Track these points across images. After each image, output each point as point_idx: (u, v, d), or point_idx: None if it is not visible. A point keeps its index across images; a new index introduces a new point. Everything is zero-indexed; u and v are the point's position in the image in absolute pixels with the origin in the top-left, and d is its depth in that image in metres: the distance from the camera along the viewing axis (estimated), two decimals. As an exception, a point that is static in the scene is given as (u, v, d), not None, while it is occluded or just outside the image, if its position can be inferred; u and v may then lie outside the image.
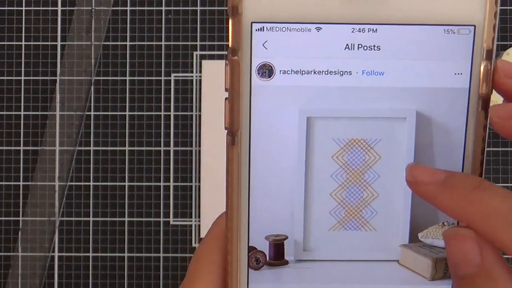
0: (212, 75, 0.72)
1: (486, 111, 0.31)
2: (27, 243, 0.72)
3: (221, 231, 0.33)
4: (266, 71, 0.32)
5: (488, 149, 0.71)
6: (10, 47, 0.73)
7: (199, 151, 0.72)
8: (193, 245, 0.71)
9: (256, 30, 0.32)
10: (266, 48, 0.32)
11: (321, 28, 0.32)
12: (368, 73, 0.32)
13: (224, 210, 0.33)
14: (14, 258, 0.72)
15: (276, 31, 0.32)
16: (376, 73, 0.32)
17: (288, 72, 0.32)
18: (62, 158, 0.72)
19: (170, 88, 0.72)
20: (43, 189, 0.72)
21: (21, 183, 0.72)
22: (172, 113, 0.72)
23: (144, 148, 0.72)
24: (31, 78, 0.73)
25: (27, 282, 0.72)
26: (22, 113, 0.73)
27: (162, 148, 0.72)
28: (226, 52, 0.71)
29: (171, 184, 0.72)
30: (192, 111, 0.72)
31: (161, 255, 0.72)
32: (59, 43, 0.73)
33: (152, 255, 0.72)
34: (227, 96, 0.32)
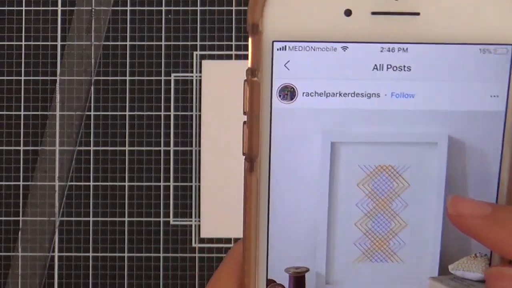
0: (212, 75, 0.71)
1: None
2: (27, 243, 0.71)
3: (236, 262, 0.31)
4: (288, 93, 0.30)
5: None
6: (10, 47, 0.72)
7: (199, 151, 0.71)
8: (193, 245, 0.71)
9: (277, 49, 0.29)
10: (288, 69, 0.29)
11: (347, 48, 0.29)
12: (397, 95, 0.30)
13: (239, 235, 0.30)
14: (14, 258, 0.71)
15: (299, 50, 0.29)
16: (406, 95, 0.30)
17: (312, 94, 0.30)
18: (62, 158, 0.71)
19: (170, 88, 0.71)
20: (43, 189, 0.71)
21: (21, 183, 0.71)
22: (172, 113, 0.72)
23: (144, 148, 0.71)
24: (31, 78, 0.71)
25: (27, 282, 0.71)
26: (22, 113, 0.71)
27: (162, 148, 0.71)
28: (226, 52, 0.71)
29: (171, 184, 0.71)
30: (192, 111, 0.72)
31: (161, 255, 0.71)
32: (59, 43, 0.72)
33: (152, 255, 0.71)
34: (245, 119, 0.29)
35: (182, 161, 0.71)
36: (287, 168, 0.30)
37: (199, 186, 0.71)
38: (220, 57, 0.71)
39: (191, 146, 0.71)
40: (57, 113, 0.71)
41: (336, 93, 0.30)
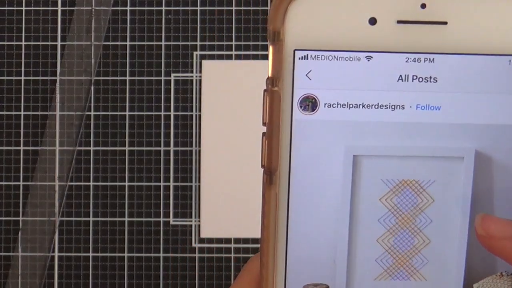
0: (212, 75, 0.71)
1: None
2: (27, 243, 0.70)
3: (253, 278, 0.30)
4: (310, 104, 0.28)
5: None
6: (10, 47, 0.71)
7: (199, 151, 0.70)
8: (193, 245, 0.71)
9: (299, 58, 0.28)
10: (310, 79, 0.28)
11: (371, 57, 0.28)
12: (423, 107, 0.28)
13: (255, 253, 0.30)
14: (14, 258, 0.70)
15: (321, 60, 0.28)
16: (432, 108, 0.28)
17: (334, 105, 0.28)
18: (62, 158, 0.71)
19: (170, 88, 0.71)
20: (43, 189, 0.71)
21: (21, 183, 0.71)
22: (172, 113, 0.71)
23: (144, 148, 0.71)
24: (31, 78, 0.71)
25: (27, 282, 0.70)
26: (22, 113, 0.71)
27: (162, 148, 0.71)
28: (226, 52, 0.71)
29: (171, 184, 0.71)
30: (192, 111, 0.71)
31: (161, 255, 0.70)
32: (59, 43, 0.71)
33: (152, 255, 0.70)
34: (264, 130, 0.28)
35: (182, 161, 0.71)
36: (308, 182, 0.29)
37: (199, 186, 0.71)
38: (220, 57, 0.71)
39: (191, 146, 0.71)
40: (57, 113, 0.71)
41: (360, 105, 0.29)
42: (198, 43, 0.70)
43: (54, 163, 0.70)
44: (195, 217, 0.70)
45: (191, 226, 0.70)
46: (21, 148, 0.70)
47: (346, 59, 0.28)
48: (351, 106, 0.29)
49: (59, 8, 0.71)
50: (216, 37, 0.70)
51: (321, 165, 0.29)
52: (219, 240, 0.69)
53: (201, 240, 0.70)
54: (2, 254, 0.70)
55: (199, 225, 0.70)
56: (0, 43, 0.70)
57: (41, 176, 0.70)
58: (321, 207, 0.30)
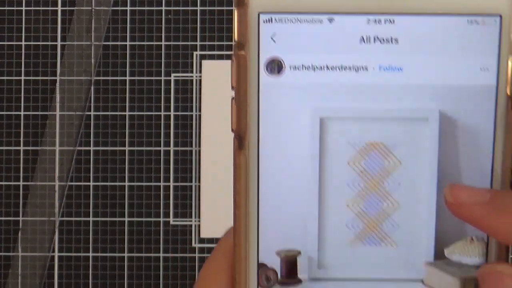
0: (212, 75, 0.71)
1: None
2: (27, 243, 0.70)
3: (228, 248, 0.30)
4: (275, 66, 0.29)
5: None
6: (10, 47, 0.71)
7: (199, 151, 0.71)
8: (193, 245, 0.71)
9: (263, 21, 0.28)
10: (274, 42, 0.29)
11: (333, 19, 0.28)
12: (385, 69, 0.29)
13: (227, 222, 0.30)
14: (14, 258, 0.70)
15: (285, 22, 0.28)
16: (395, 69, 0.29)
17: (299, 68, 0.29)
18: (62, 158, 0.71)
19: (170, 88, 0.71)
20: (43, 189, 0.71)
21: (21, 183, 0.71)
22: (172, 113, 0.71)
23: (144, 148, 0.71)
24: (31, 78, 0.71)
25: (27, 282, 0.70)
26: (22, 113, 0.71)
27: (162, 148, 0.71)
28: (226, 52, 0.71)
29: (171, 184, 0.71)
30: (192, 111, 0.71)
31: (161, 255, 0.70)
32: (59, 43, 0.71)
33: (152, 255, 0.70)
34: (233, 95, 0.29)
35: (182, 161, 0.71)
36: (277, 145, 0.30)
37: (199, 186, 0.70)
38: (220, 57, 0.71)
39: (191, 146, 0.71)
40: (57, 113, 0.71)
41: (324, 67, 0.29)
42: (198, 43, 0.70)
43: (54, 163, 0.70)
44: (195, 217, 0.69)
45: (191, 226, 0.70)
46: (21, 148, 0.70)
47: (309, 21, 0.29)
48: (315, 68, 0.29)
49: (59, 8, 0.71)
50: (216, 37, 0.70)
51: (289, 128, 0.29)
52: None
53: (201, 240, 0.69)
54: (2, 254, 0.70)
55: (199, 225, 0.69)
56: (0, 43, 0.70)
57: (41, 176, 0.70)
58: (291, 171, 0.30)
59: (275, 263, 0.30)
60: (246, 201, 0.30)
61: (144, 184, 0.70)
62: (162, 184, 0.70)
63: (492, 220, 0.26)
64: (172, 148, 0.70)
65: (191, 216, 0.70)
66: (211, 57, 0.71)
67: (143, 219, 0.70)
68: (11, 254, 0.70)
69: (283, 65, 0.29)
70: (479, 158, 0.30)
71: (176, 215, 0.70)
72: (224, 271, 0.30)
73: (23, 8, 0.71)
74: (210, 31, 0.71)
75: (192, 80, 0.70)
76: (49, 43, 0.71)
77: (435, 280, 0.30)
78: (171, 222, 0.70)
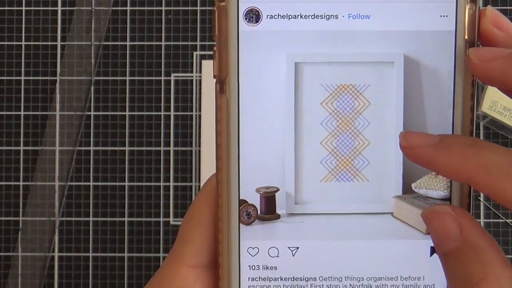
0: (212, 75, 0.71)
1: (472, 92, 0.31)
2: (27, 243, 0.71)
3: (212, 188, 0.32)
4: (253, 16, 0.32)
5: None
6: (10, 47, 0.73)
7: (199, 151, 0.72)
8: (193, 245, 0.71)
9: None
10: None
11: None
12: (354, 17, 0.32)
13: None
14: (14, 258, 0.72)
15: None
16: (362, 17, 0.32)
17: (275, 16, 0.32)
18: (62, 158, 0.72)
19: (170, 88, 0.72)
20: (43, 189, 0.72)
21: (21, 183, 0.72)
22: (172, 113, 0.72)
23: (144, 148, 0.72)
24: (31, 78, 0.73)
25: (27, 282, 0.71)
26: (22, 113, 0.72)
27: (162, 148, 0.72)
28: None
29: (171, 184, 0.71)
30: (192, 111, 0.72)
31: (161, 255, 0.71)
32: (59, 43, 0.73)
33: (152, 255, 0.71)
34: (215, 43, 0.32)
35: (182, 161, 0.71)
36: (255, 88, 0.32)
37: (199, 186, 0.71)
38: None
39: (191, 146, 0.71)
40: (57, 113, 0.71)
41: (298, 15, 0.32)
42: (198, 43, 0.71)
43: (54, 163, 0.70)
44: None
45: None
46: (21, 148, 0.70)
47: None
48: (290, 17, 0.32)
49: (59, 8, 0.71)
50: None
51: (266, 73, 0.32)
52: (219, 240, 0.69)
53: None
54: (2, 254, 0.70)
55: None
56: (0, 43, 0.70)
57: (41, 176, 0.70)
58: (268, 112, 0.33)
59: (255, 200, 0.33)
60: (227, 142, 0.32)
61: (144, 184, 0.70)
62: (162, 184, 0.70)
63: (438, 159, 0.28)
64: (172, 148, 0.70)
65: (191, 216, 0.70)
66: (211, 57, 0.71)
67: (143, 219, 0.70)
68: (11, 254, 0.71)
69: (260, 15, 0.32)
70: (441, 99, 0.32)
71: (176, 215, 0.70)
72: (207, 209, 0.32)
73: (23, 8, 0.72)
74: (210, 31, 0.71)
75: (192, 80, 0.71)
76: (49, 43, 0.72)
77: (404, 213, 0.33)
78: (171, 222, 0.70)
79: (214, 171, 0.32)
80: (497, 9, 0.33)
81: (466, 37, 0.31)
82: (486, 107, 0.66)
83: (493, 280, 0.26)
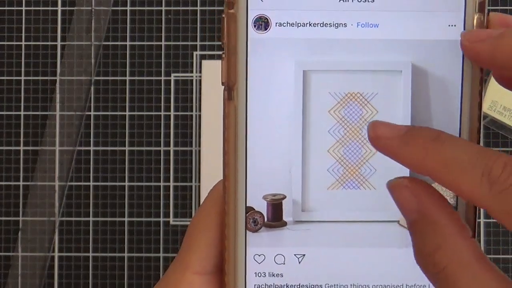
0: (212, 75, 0.72)
1: (481, 71, 0.31)
2: (27, 243, 0.71)
3: (218, 195, 0.32)
4: (262, 23, 0.32)
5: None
6: (10, 47, 0.73)
7: (199, 151, 0.72)
8: (193, 245, 0.71)
9: None
10: (262, 0, 0.32)
11: None
12: (363, 25, 0.32)
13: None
14: (14, 258, 0.71)
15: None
16: (371, 25, 0.32)
17: (284, 24, 0.32)
18: (62, 158, 0.71)
19: (170, 88, 0.72)
20: (43, 189, 0.72)
21: (21, 183, 0.72)
22: (172, 113, 0.72)
23: (144, 148, 0.72)
24: (31, 78, 0.73)
25: (27, 282, 0.71)
26: (22, 113, 0.72)
27: (162, 148, 0.72)
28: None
29: (171, 184, 0.71)
30: (192, 111, 0.72)
31: (161, 255, 0.71)
32: (59, 43, 0.73)
33: (152, 255, 0.71)
34: (224, 50, 0.32)
35: (182, 161, 0.71)
36: (263, 96, 0.32)
37: (199, 186, 0.71)
38: (220, 57, 0.71)
39: (191, 146, 0.71)
40: (57, 113, 0.71)
41: (307, 23, 0.32)
42: (198, 43, 0.71)
43: (54, 163, 0.70)
44: None
45: None
46: (21, 148, 0.70)
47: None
48: (299, 25, 0.32)
49: (59, 8, 0.71)
50: (216, 37, 0.71)
51: (275, 80, 0.32)
52: (219, 240, 0.69)
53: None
54: (2, 254, 0.70)
55: None
56: (0, 43, 0.70)
57: (41, 176, 0.70)
58: (276, 120, 0.33)
59: (261, 207, 0.33)
60: (235, 149, 0.32)
61: (144, 184, 0.70)
62: (162, 184, 0.70)
63: (402, 152, 0.28)
64: (172, 148, 0.70)
65: (191, 216, 0.70)
66: (211, 57, 0.71)
67: (143, 219, 0.70)
68: (11, 254, 0.71)
69: (270, 22, 0.32)
70: (448, 107, 0.32)
71: (176, 215, 0.70)
72: (213, 216, 0.32)
73: (23, 8, 0.72)
74: (210, 31, 0.71)
75: (192, 80, 0.71)
76: (49, 43, 0.72)
77: None
78: (171, 222, 0.70)
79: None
80: (497, 10, 0.33)
81: None
82: (486, 107, 0.66)
83: (449, 250, 0.27)
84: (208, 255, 0.32)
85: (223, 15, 0.31)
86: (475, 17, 0.31)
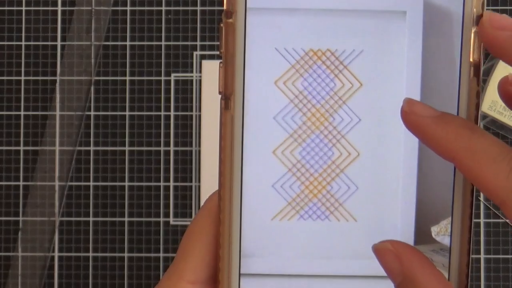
0: (212, 75, 0.71)
1: (478, 77, 0.28)
2: (27, 243, 0.71)
3: (213, 206, 0.32)
4: None
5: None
6: (10, 47, 0.73)
7: (199, 151, 0.71)
8: (193, 245, 0.70)
9: None
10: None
11: None
12: None
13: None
14: (14, 258, 0.71)
15: None
16: None
17: None
18: (62, 158, 0.71)
19: (170, 88, 0.72)
20: (43, 189, 0.71)
21: (21, 183, 0.72)
22: (172, 113, 0.71)
23: (144, 148, 0.71)
24: (31, 78, 0.72)
25: (27, 282, 0.71)
26: (22, 113, 0.72)
27: (162, 148, 0.71)
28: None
29: (171, 184, 0.71)
30: (192, 111, 0.71)
31: (161, 255, 0.71)
32: (59, 43, 0.72)
33: (152, 255, 0.71)
34: (221, 60, 0.31)
35: (182, 161, 0.70)
36: (259, 106, 0.30)
37: (199, 186, 0.70)
38: (220, 57, 0.70)
39: (191, 146, 0.70)
40: (57, 113, 0.71)
41: None
42: (198, 43, 0.70)
43: (54, 163, 0.70)
44: None
45: None
46: (21, 148, 0.70)
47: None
48: None
49: (59, 8, 0.71)
50: (216, 37, 0.70)
51: (254, 92, 0.30)
52: (219, 240, 0.69)
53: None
54: (2, 254, 0.70)
55: None
56: (0, 43, 0.70)
57: (41, 176, 0.70)
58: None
59: None
60: (231, 159, 0.31)
61: (144, 184, 0.70)
62: (162, 184, 0.70)
63: (433, 131, 0.27)
64: (172, 148, 0.70)
65: (191, 216, 0.70)
66: (211, 57, 0.71)
67: (143, 219, 0.70)
68: (11, 254, 0.71)
69: None
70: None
71: (176, 215, 0.70)
72: (209, 225, 0.32)
73: (23, 8, 0.72)
74: (210, 31, 0.71)
75: (192, 80, 0.70)
76: (49, 43, 0.71)
77: None
78: (171, 222, 0.70)
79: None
80: (497, 10, 0.31)
81: (471, 59, 0.27)
82: (486, 107, 0.66)
83: None
84: (202, 265, 0.32)
85: (221, 25, 0.31)
86: (473, 31, 0.28)
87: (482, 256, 0.69)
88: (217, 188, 0.32)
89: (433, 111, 0.27)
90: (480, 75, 0.29)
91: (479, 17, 0.28)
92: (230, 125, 0.31)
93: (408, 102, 0.27)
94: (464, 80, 0.28)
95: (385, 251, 0.27)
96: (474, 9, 0.27)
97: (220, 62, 0.31)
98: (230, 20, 0.30)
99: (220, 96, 0.31)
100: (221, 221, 0.31)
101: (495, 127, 0.69)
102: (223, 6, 0.31)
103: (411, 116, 0.27)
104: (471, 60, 0.28)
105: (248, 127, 0.29)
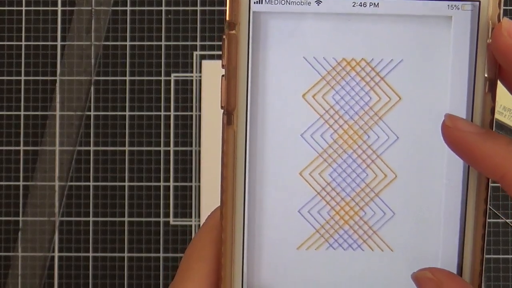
0: (212, 75, 0.71)
1: (493, 93, 0.26)
2: (27, 243, 0.70)
3: (214, 223, 0.30)
4: None
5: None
6: (10, 47, 0.72)
7: (199, 151, 0.70)
8: (193, 245, 0.69)
9: (254, 2, 0.27)
10: None
11: (321, 2, 0.25)
12: None
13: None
14: (14, 258, 0.70)
15: (274, 3, 0.27)
16: None
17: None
18: (62, 158, 0.70)
19: (170, 88, 0.71)
20: (43, 189, 0.70)
21: (21, 183, 0.71)
22: (172, 113, 0.70)
23: (144, 148, 0.71)
24: (31, 78, 0.71)
25: (27, 282, 0.70)
26: (22, 113, 0.71)
27: (162, 148, 0.70)
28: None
29: (171, 184, 0.70)
30: (192, 111, 0.70)
31: (161, 255, 0.70)
32: (59, 43, 0.72)
33: (152, 255, 0.70)
34: (223, 73, 0.29)
35: (182, 161, 0.70)
36: (264, 121, 0.28)
37: (199, 186, 0.69)
38: (220, 57, 0.69)
39: (191, 146, 0.70)
40: (57, 113, 0.70)
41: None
42: (198, 43, 0.69)
43: (54, 163, 0.69)
44: (195, 217, 0.69)
45: (191, 226, 0.69)
46: (21, 148, 0.70)
47: (297, 3, 0.27)
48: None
49: (59, 8, 0.70)
50: (216, 37, 0.70)
51: (276, 107, 0.28)
52: (219, 240, 0.68)
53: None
54: (2, 254, 0.70)
55: (199, 225, 0.69)
56: (0, 43, 0.69)
57: (41, 176, 0.69)
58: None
59: None
60: (233, 175, 0.30)
61: (144, 184, 0.69)
62: (162, 184, 0.69)
63: (480, 148, 0.25)
64: (172, 148, 0.69)
65: (191, 216, 0.69)
66: (211, 57, 0.70)
67: (143, 219, 0.69)
68: (11, 254, 0.70)
69: None
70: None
71: (176, 215, 0.69)
72: (209, 244, 0.30)
73: (23, 8, 0.71)
74: (210, 31, 0.70)
75: (192, 80, 0.70)
76: (49, 43, 0.71)
77: None
78: (171, 222, 0.69)
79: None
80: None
81: (486, 74, 0.25)
82: (486, 108, 0.64)
83: None
84: (203, 285, 0.30)
85: (224, 36, 0.29)
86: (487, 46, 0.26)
87: (481, 256, 0.68)
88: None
89: (478, 127, 0.26)
90: (495, 91, 0.26)
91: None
92: (232, 141, 0.29)
93: (450, 117, 0.25)
94: (478, 95, 0.25)
95: (425, 280, 0.25)
96: (490, 21, 0.24)
97: (222, 75, 0.29)
98: (233, 32, 0.28)
99: (222, 110, 0.30)
100: (222, 240, 0.29)
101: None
102: (224, 12, 0.29)
103: (455, 132, 0.25)
104: (486, 75, 0.25)
105: (272, 145, 0.27)
